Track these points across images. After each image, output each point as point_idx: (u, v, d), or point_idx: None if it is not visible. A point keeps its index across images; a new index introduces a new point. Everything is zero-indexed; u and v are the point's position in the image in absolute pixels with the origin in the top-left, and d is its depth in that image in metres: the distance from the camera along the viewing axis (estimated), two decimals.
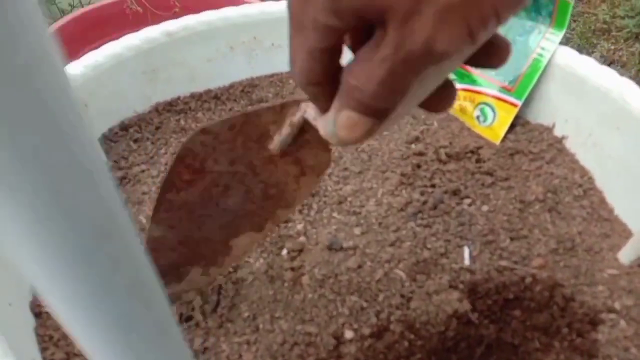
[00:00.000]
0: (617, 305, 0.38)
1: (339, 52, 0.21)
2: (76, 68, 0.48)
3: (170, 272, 0.34)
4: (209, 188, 0.30)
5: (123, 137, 0.52)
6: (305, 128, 0.27)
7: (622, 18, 1.70)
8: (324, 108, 0.23)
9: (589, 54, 1.65)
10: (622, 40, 1.64)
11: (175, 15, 1.06)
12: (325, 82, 0.21)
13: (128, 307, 0.11)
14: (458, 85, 0.56)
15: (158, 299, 0.12)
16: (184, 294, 0.37)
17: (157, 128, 0.53)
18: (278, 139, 0.28)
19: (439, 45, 0.17)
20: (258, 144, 0.29)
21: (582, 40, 1.69)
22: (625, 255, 0.41)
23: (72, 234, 0.09)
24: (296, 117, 0.27)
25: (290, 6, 0.19)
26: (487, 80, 0.55)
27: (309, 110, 0.25)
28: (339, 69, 0.21)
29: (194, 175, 0.30)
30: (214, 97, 0.58)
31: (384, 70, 0.18)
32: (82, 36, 1.04)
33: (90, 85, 0.49)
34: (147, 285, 0.11)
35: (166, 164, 0.49)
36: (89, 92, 0.49)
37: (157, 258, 0.12)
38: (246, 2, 1.08)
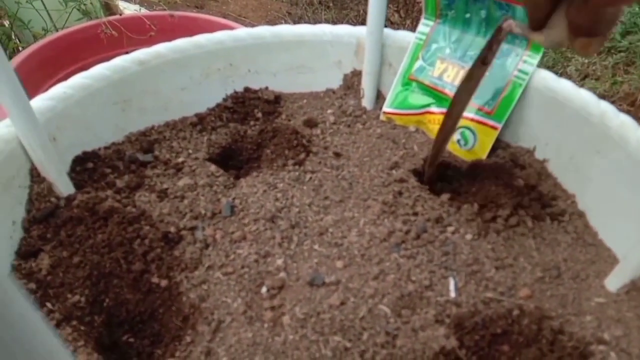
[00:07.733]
0: (606, 336, 0.37)
1: None
2: (43, 101, 0.46)
3: None
4: None
5: (93, 170, 0.50)
6: None
7: None
8: (540, 26, 0.33)
9: (564, 67, 1.68)
10: (595, 55, 1.67)
11: (151, 39, 1.05)
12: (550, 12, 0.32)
13: None
14: (437, 109, 0.56)
15: None
16: None
17: (131, 161, 0.51)
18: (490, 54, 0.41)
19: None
20: None
21: (557, 55, 1.72)
22: (612, 283, 0.41)
23: None
24: (502, 34, 0.39)
25: None
26: None
27: (514, 27, 0.37)
28: None
29: None
30: (190, 124, 0.57)
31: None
32: (56, 61, 1.02)
33: (58, 118, 0.47)
34: None
35: (140, 198, 0.47)
36: (57, 125, 0.47)
37: None
38: (212, 22, 1.06)
